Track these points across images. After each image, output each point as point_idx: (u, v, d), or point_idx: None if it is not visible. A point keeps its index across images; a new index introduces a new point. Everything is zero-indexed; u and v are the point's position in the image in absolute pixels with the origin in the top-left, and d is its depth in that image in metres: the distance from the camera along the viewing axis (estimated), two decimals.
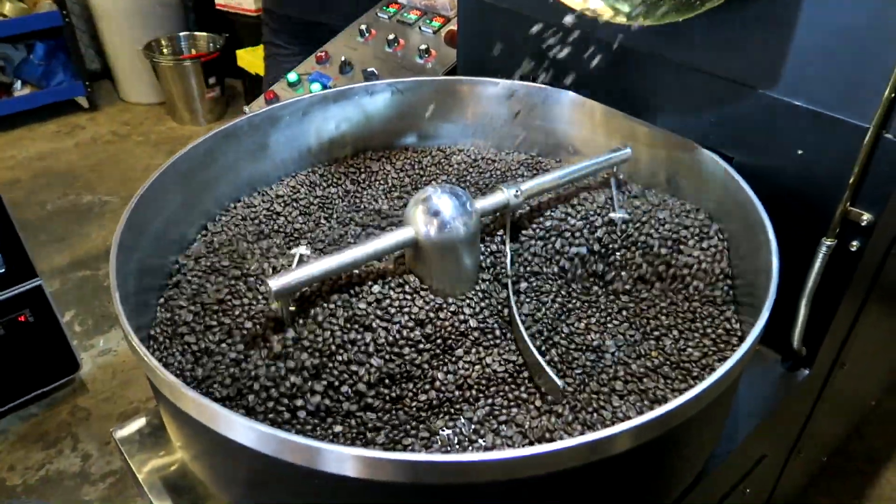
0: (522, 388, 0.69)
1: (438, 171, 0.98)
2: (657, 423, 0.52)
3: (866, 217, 0.73)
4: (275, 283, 0.64)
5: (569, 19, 0.83)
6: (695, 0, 0.70)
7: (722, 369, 0.55)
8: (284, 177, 0.97)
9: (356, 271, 0.73)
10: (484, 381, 0.69)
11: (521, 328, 0.71)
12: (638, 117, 0.89)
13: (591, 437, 0.50)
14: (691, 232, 0.81)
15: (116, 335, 1.99)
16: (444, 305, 0.72)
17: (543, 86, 0.97)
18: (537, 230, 0.82)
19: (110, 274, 0.66)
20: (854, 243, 0.75)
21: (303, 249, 0.76)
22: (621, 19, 0.76)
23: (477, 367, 0.70)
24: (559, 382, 0.65)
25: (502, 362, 0.70)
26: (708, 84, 0.80)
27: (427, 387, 0.68)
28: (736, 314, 0.75)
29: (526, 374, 0.70)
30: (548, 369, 0.66)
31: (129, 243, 0.72)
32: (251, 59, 2.55)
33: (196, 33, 3.08)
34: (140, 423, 0.73)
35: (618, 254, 0.81)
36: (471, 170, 0.98)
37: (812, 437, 1.09)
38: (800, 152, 0.76)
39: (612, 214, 0.83)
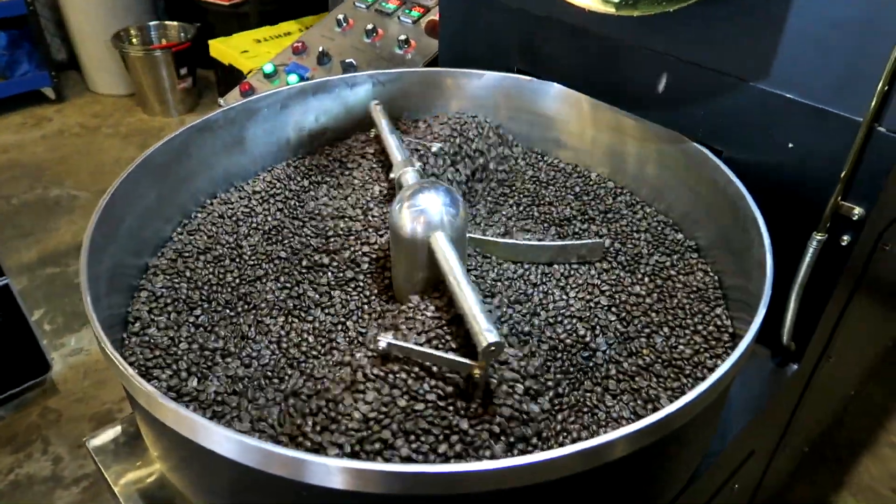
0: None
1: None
2: (655, 428, 0.51)
3: (858, 211, 0.72)
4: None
5: (556, 10, 0.81)
6: None
7: (720, 370, 0.54)
8: (262, 171, 0.94)
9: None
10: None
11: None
12: (626, 110, 0.87)
13: (589, 443, 0.48)
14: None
15: (88, 334, 1.93)
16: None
17: (530, 78, 0.95)
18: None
19: (81, 275, 0.63)
20: (845, 237, 0.74)
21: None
22: (610, 10, 0.74)
23: None
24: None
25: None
26: (697, 76, 0.79)
27: None
28: (727, 310, 0.74)
29: None
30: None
31: (101, 242, 0.69)
32: (224, 49, 2.49)
33: (167, 23, 3.01)
34: (115, 431, 0.69)
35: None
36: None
37: (797, 429, 1.10)
38: (790, 146, 0.75)
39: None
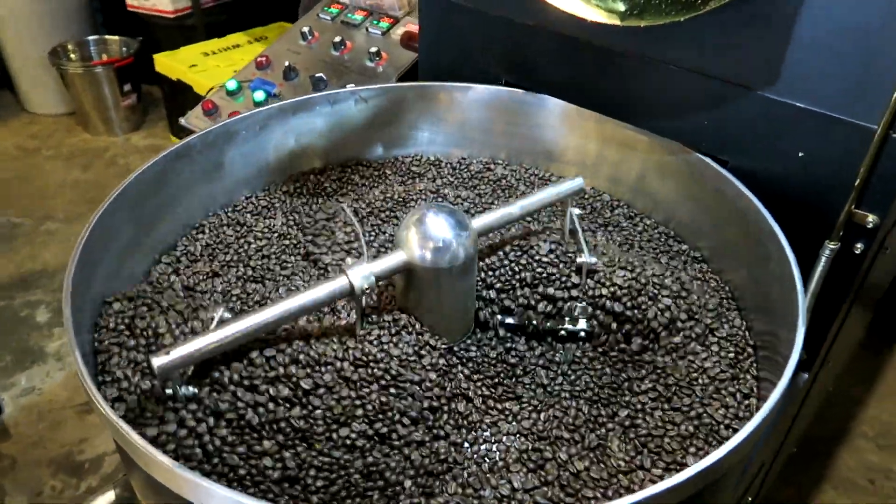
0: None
1: (411, 188, 0.91)
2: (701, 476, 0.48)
3: (871, 218, 0.71)
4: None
5: (546, 20, 0.79)
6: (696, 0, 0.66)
7: (758, 417, 0.51)
8: (243, 198, 0.88)
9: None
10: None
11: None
12: (626, 122, 0.85)
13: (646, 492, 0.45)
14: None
15: (40, 371, 1.81)
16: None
17: (525, 91, 0.92)
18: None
19: (66, 324, 0.57)
20: (858, 245, 0.73)
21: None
22: (615, 20, 0.71)
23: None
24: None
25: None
26: (702, 86, 0.77)
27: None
28: (744, 321, 0.73)
29: None
30: None
31: (82, 286, 0.62)
32: (171, 63, 2.39)
33: (107, 37, 2.87)
34: (108, 498, 0.63)
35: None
36: (450, 183, 0.92)
37: (794, 434, 1.10)
38: (801, 154, 0.73)
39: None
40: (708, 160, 0.78)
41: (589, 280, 0.71)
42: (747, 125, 0.76)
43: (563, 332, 0.72)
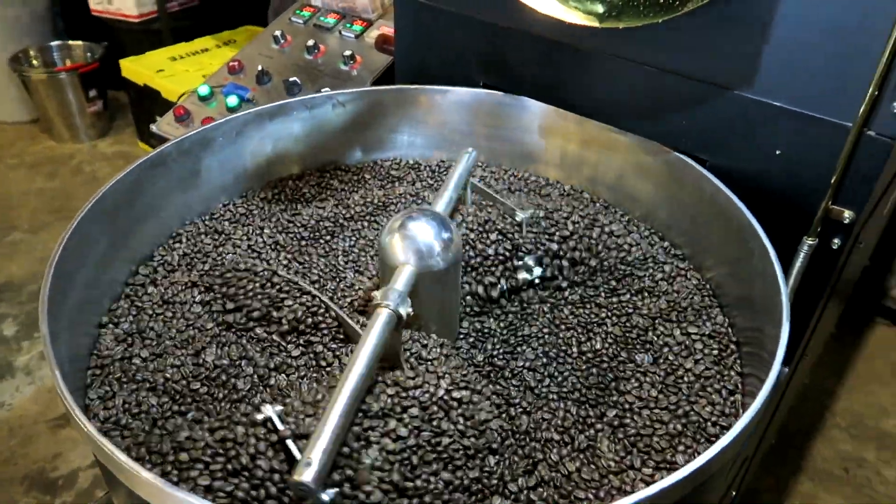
0: None
1: (391, 192, 0.91)
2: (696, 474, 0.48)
3: (848, 214, 0.72)
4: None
5: (524, 22, 0.79)
6: (674, 0, 0.67)
7: (747, 415, 0.52)
8: (220, 206, 0.87)
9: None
10: None
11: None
12: (605, 123, 0.85)
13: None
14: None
15: (9, 386, 1.76)
16: None
17: (504, 93, 0.92)
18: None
19: (43, 339, 0.55)
20: (835, 241, 0.75)
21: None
22: (593, 22, 0.72)
23: None
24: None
25: None
26: (680, 86, 0.78)
27: None
28: (726, 318, 0.73)
29: None
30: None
31: (58, 297, 0.60)
32: (137, 68, 2.35)
33: (71, 42, 2.81)
34: None
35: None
36: (430, 186, 0.91)
37: (774, 426, 1.11)
38: (778, 152, 0.74)
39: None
40: (687, 159, 0.79)
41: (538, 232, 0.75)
42: (725, 124, 0.77)
43: (523, 284, 0.75)
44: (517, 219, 0.76)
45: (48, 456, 1.59)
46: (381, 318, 0.54)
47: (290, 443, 0.49)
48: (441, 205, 0.72)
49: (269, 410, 0.51)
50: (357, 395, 0.51)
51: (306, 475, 0.44)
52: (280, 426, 0.50)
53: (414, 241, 0.64)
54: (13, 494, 1.51)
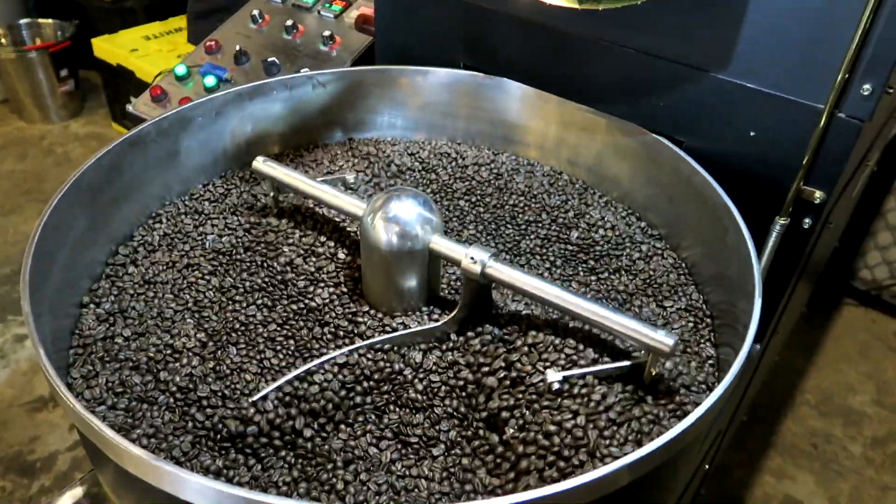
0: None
1: (376, 169, 0.91)
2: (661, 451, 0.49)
3: (819, 195, 0.74)
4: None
5: (504, 3, 0.79)
6: None
7: (722, 385, 0.53)
8: (200, 186, 0.86)
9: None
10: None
11: None
12: (584, 104, 0.86)
13: (593, 474, 0.46)
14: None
15: None
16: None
17: (485, 75, 0.92)
18: None
19: (26, 319, 0.55)
20: (807, 221, 0.77)
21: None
22: (573, 4, 0.72)
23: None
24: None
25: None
26: (657, 68, 0.79)
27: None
28: (701, 294, 0.75)
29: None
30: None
31: (38, 280, 0.60)
32: (110, 48, 2.31)
33: (41, 20, 2.75)
34: (75, 494, 0.61)
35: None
36: (412, 166, 0.92)
37: (745, 402, 1.14)
38: (752, 134, 0.76)
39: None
40: (664, 141, 0.80)
41: None
42: (701, 106, 0.78)
43: None
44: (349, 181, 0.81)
45: (25, 439, 1.58)
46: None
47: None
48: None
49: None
50: None
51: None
52: None
53: (396, 222, 0.65)
54: None
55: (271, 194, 0.80)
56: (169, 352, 0.64)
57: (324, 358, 0.62)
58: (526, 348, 0.63)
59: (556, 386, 0.58)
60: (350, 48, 1.26)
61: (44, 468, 1.53)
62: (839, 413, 1.79)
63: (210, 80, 1.25)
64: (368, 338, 0.65)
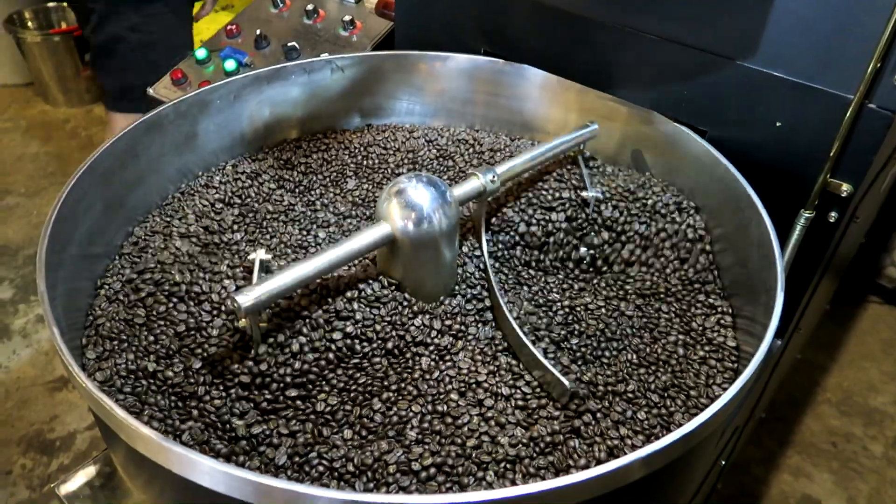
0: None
1: (392, 156, 0.90)
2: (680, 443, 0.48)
3: (846, 188, 0.72)
4: (244, 298, 0.55)
5: None
6: None
7: (741, 379, 0.52)
8: (216, 169, 0.86)
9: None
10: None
11: (514, 325, 0.65)
12: (606, 92, 0.85)
13: (606, 467, 0.45)
14: (666, 205, 0.78)
15: (6, 349, 1.77)
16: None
17: (505, 61, 0.91)
18: (510, 221, 0.77)
19: (41, 298, 0.55)
20: (833, 214, 0.75)
21: (262, 254, 0.67)
22: None
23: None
24: (566, 382, 0.60)
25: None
26: (680, 56, 0.77)
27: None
28: (723, 288, 0.74)
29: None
30: (550, 367, 0.61)
31: (54, 263, 0.60)
32: None
33: (66, 4, 2.77)
34: (89, 473, 0.62)
35: (600, 236, 0.77)
36: (429, 153, 0.91)
37: (765, 399, 1.12)
38: (778, 124, 0.74)
39: (584, 193, 0.79)
40: (686, 130, 0.79)
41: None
42: (726, 95, 0.76)
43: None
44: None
45: (45, 418, 1.61)
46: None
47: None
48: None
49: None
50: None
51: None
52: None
53: (412, 207, 0.64)
54: (10, 455, 1.52)
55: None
56: (183, 329, 0.64)
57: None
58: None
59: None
60: (370, 33, 1.25)
61: (63, 447, 1.55)
62: (860, 412, 1.76)
63: (230, 64, 1.24)
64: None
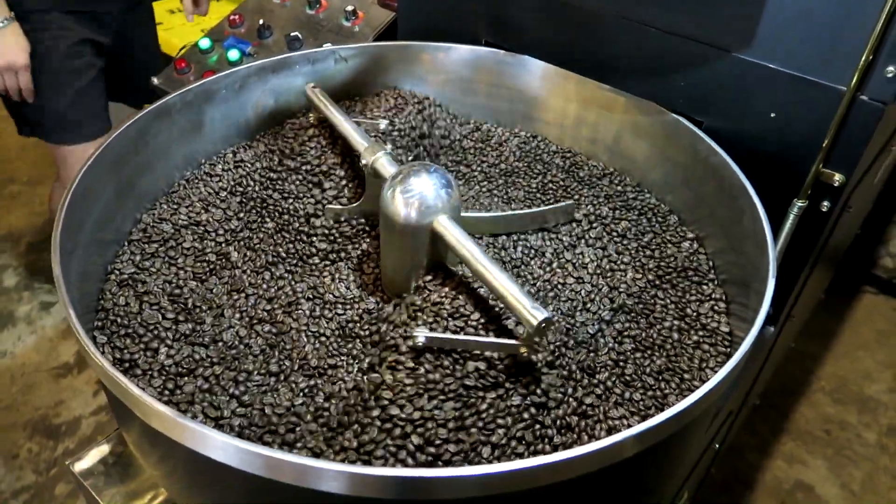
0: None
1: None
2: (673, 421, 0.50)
3: (838, 178, 0.74)
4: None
5: None
6: None
7: (732, 361, 0.54)
8: (220, 155, 0.88)
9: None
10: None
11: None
12: (605, 83, 0.86)
13: (600, 443, 0.47)
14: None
15: (11, 335, 1.79)
16: None
17: (504, 52, 0.92)
18: None
19: (57, 282, 0.57)
20: (825, 204, 0.76)
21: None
22: None
23: None
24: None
25: None
26: (678, 47, 0.79)
27: None
28: (717, 275, 0.76)
29: None
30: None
31: (69, 248, 0.62)
32: None
33: None
34: (102, 450, 0.64)
35: None
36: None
37: (758, 385, 1.15)
38: (772, 115, 0.76)
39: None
40: (683, 120, 0.80)
41: None
42: (721, 86, 0.78)
43: None
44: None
45: (50, 403, 1.63)
46: None
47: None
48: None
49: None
50: None
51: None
52: None
53: (416, 196, 0.65)
54: (17, 439, 1.54)
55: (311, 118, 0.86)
56: (194, 308, 0.66)
57: None
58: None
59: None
60: (373, 23, 1.26)
61: (68, 431, 1.58)
62: (854, 400, 1.79)
63: (234, 54, 1.26)
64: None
